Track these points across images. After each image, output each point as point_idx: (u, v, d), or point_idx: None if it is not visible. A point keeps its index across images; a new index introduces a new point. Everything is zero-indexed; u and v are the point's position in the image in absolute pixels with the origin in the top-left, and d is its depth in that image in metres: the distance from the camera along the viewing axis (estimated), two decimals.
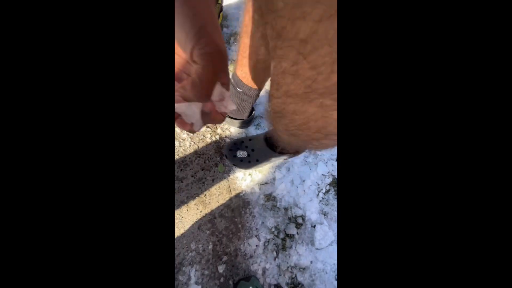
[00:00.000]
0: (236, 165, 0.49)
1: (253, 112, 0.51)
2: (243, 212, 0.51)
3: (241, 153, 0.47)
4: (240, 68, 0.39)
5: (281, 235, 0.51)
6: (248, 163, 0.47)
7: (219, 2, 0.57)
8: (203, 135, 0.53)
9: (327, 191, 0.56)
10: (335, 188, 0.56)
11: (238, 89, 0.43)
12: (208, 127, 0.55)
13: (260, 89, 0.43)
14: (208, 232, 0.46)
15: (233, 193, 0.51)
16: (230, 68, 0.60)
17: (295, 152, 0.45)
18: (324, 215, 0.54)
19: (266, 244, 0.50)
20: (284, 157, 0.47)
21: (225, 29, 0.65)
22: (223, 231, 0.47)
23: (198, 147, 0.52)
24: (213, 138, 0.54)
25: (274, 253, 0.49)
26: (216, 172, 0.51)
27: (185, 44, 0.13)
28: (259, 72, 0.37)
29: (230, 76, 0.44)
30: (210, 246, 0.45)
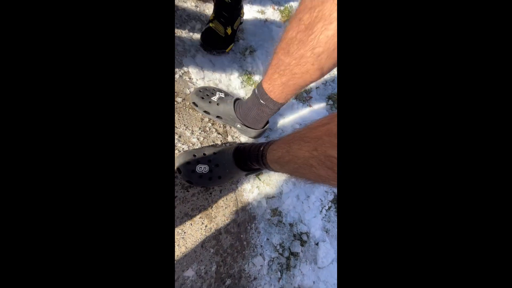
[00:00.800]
0: (191, 182, 0.39)
1: (267, 124, 0.50)
2: (249, 227, 0.46)
3: (202, 168, 0.38)
4: (268, 82, 0.37)
5: (286, 253, 0.48)
6: (209, 180, 0.39)
7: (241, 15, 0.58)
8: (213, 141, 0.49)
9: (329, 208, 0.56)
10: (336, 205, 0.57)
11: (261, 101, 0.40)
12: (219, 133, 0.51)
13: (283, 104, 0.41)
14: (212, 250, 0.40)
15: (240, 206, 0.47)
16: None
17: (260, 169, 0.41)
18: (326, 232, 0.53)
19: (271, 263, 0.46)
20: (245, 172, 0.41)
21: (241, 41, 0.65)
22: (228, 249, 0.42)
23: None
24: (225, 147, 0.50)
25: (279, 273, 0.46)
26: None
27: None
28: (290, 89, 0.36)
29: (255, 87, 0.42)
30: (214, 268, 0.39)
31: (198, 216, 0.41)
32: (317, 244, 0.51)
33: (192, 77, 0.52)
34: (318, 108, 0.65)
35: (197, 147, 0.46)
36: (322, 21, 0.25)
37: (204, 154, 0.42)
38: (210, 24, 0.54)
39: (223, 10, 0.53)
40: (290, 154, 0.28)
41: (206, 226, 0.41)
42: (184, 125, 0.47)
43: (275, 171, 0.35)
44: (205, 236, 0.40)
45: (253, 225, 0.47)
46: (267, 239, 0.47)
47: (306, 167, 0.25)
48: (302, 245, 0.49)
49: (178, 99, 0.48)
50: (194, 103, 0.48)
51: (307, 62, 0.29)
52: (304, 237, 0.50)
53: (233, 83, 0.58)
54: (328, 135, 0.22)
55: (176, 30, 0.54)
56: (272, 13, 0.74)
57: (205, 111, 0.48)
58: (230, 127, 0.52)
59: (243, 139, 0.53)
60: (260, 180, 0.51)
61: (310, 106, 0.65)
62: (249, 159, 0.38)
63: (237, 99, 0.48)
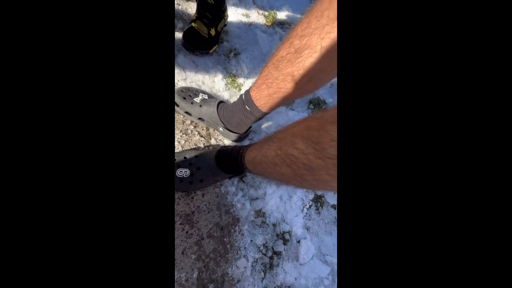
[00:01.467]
0: None
1: (250, 128, 0.49)
2: (232, 230, 0.45)
3: (183, 172, 0.37)
4: (256, 90, 0.38)
5: (269, 253, 0.48)
6: (190, 184, 0.38)
7: (225, 18, 0.56)
8: (195, 144, 0.47)
9: (310, 207, 0.58)
10: (316, 204, 0.59)
11: (247, 107, 0.41)
12: (201, 136, 0.49)
13: (267, 113, 0.42)
14: (193, 256, 0.38)
15: (223, 210, 0.45)
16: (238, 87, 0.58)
17: (242, 172, 0.40)
18: (307, 229, 0.55)
19: (254, 264, 0.45)
20: (228, 175, 0.40)
21: (225, 43, 0.63)
22: (211, 254, 0.40)
23: None
24: (207, 149, 0.48)
25: (262, 273, 0.45)
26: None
27: None
28: (274, 101, 0.37)
29: (242, 92, 0.42)
30: (195, 274, 0.37)
31: (178, 223, 0.39)
32: (298, 241, 0.52)
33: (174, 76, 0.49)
34: (300, 111, 0.67)
35: (178, 151, 0.43)
36: (309, 49, 0.28)
37: (185, 157, 0.40)
38: (193, 24, 0.51)
39: (206, 11, 0.51)
40: (261, 154, 0.29)
41: (187, 232, 0.39)
42: None
43: (252, 172, 0.35)
44: (186, 243, 0.38)
45: (237, 227, 0.46)
46: (251, 240, 0.47)
47: (272, 166, 0.26)
48: (284, 244, 0.50)
49: None
50: (175, 103, 0.45)
51: (292, 80, 0.32)
52: (287, 236, 0.51)
53: (216, 85, 0.56)
54: (291, 136, 0.23)
55: None
56: (256, 17, 0.74)
57: (186, 112, 0.46)
58: (214, 130, 0.51)
59: (227, 142, 0.51)
60: (244, 182, 0.50)
61: (293, 109, 0.67)
62: (230, 162, 0.37)
63: (221, 101, 0.47)
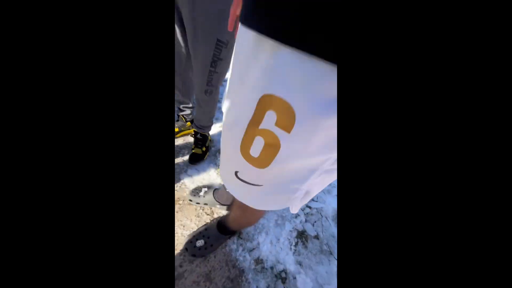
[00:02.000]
0: (195, 255, 0.59)
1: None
2: (240, 280, 0.62)
3: (200, 242, 0.59)
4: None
5: None
6: (205, 249, 0.60)
7: (209, 138, 1.00)
8: (205, 221, 0.73)
9: (297, 243, 0.73)
10: (301, 239, 0.75)
11: (228, 190, 0.72)
12: (207, 214, 0.76)
13: None
14: None
15: (231, 264, 0.64)
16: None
17: (235, 232, 0.65)
18: (300, 264, 0.68)
19: None
20: (228, 236, 0.63)
21: (212, 148, 1.04)
22: None
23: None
24: (212, 222, 0.73)
25: None
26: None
27: None
28: None
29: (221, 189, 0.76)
30: None
31: (202, 281, 0.58)
32: (295, 278, 0.65)
33: (186, 184, 0.84)
34: None
35: (195, 229, 0.70)
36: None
37: (200, 232, 0.66)
38: (193, 150, 0.93)
39: (199, 141, 0.95)
40: (230, 216, 0.57)
41: (208, 287, 0.57)
42: (185, 217, 0.73)
43: (234, 229, 0.60)
44: None
45: (243, 277, 0.63)
46: (256, 286, 0.61)
47: (236, 220, 0.53)
48: (283, 283, 0.63)
49: (180, 202, 0.77)
50: (190, 200, 0.77)
51: None
52: (283, 274, 0.65)
53: (211, 176, 0.90)
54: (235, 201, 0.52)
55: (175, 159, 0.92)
56: None
57: (197, 203, 0.77)
58: (215, 208, 0.79)
59: (225, 212, 0.78)
60: (241, 238, 0.71)
61: None
62: (224, 227, 0.63)
63: (216, 189, 0.78)
